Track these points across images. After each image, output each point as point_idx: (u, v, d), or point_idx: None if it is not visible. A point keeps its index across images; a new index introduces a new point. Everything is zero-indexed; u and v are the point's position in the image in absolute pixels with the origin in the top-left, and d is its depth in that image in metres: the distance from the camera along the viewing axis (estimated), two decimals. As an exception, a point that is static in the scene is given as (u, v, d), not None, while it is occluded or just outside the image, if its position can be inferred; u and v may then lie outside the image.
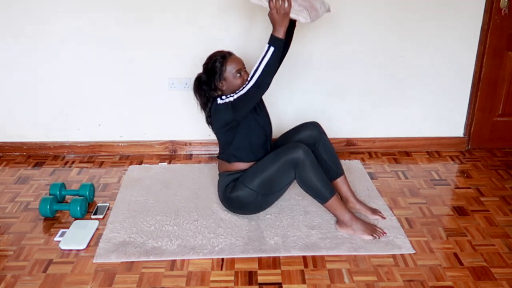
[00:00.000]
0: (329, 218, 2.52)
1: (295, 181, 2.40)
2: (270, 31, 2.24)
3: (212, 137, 3.27)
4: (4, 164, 3.20)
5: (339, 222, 2.42)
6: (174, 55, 3.08)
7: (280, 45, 2.25)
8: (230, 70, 2.38)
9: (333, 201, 2.36)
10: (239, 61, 2.42)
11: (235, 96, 2.36)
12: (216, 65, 2.39)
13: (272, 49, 2.24)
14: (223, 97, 2.41)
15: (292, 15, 2.27)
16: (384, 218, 2.53)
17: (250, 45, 3.03)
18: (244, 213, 2.54)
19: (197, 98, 2.50)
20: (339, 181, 2.58)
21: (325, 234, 2.40)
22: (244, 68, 2.43)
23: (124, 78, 3.15)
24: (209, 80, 2.42)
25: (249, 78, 2.32)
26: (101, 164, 3.20)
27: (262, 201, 2.45)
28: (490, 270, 2.17)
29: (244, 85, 2.35)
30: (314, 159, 2.35)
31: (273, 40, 2.24)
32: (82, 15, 2.98)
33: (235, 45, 3.01)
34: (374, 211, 2.56)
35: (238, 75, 2.39)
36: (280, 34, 2.24)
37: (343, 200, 2.58)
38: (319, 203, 2.42)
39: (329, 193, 2.35)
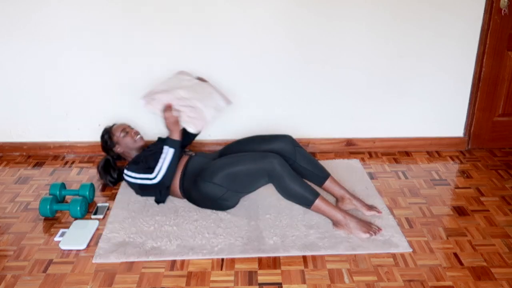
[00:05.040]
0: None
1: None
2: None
3: (212, 137, 3.28)
4: (4, 164, 3.20)
5: (334, 223, 2.43)
6: (174, 56, 3.08)
7: (178, 145, 2.54)
8: (116, 135, 2.77)
9: (319, 203, 2.37)
10: (120, 126, 2.81)
11: (140, 181, 2.58)
12: (105, 138, 2.81)
13: (171, 150, 2.52)
14: (129, 171, 2.61)
15: (182, 123, 2.53)
16: (380, 213, 2.55)
17: (249, 49, 3.04)
18: (215, 207, 2.60)
19: (101, 177, 2.88)
20: (328, 183, 2.60)
21: (323, 233, 2.40)
22: (128, 127, 2.82)
23: (124, 78, 3.15)
24: (109, 152, 2.84)
25: (151, 175, 2.52)
26: (101, 164, 3.20)
27: (231, 198, 2.52)
28: (490, 270, 2.17)
29: (147, 175, 2.55)
30: (289, 167, 2.40)
31: (170, 142, 2.53)
32: (82, 15, 2.98)
33: (234, 46, 3.02)
34: (370, 207, 2.58)
35: (124, 134, 2.77)
36: (175, 137, 2.53)
37: (338, 200, 2.61)
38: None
39: (313, 196, 2.37)
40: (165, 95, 2.55)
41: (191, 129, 2.56)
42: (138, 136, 2.80)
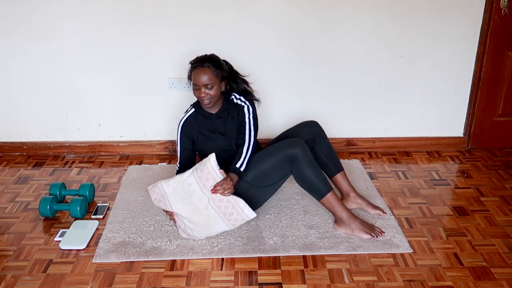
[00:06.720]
0: (328, 217, 2.52)
1: (294, 179, 2.41)
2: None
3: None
4: (4, 164, 3.20)
5: (337, 221, 2.42)
6: (174, 55, 3.08)
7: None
8: (192, 80, 2.39)
9: (330, 197, 2.36)
10: (199, 78, 2.34)
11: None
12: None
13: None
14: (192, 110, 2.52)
15: (179, 229, 2.38)
16: (385, 213, 2.55)
17: (249, 49, 3.03)
18: None
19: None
20: (339, 177, 2.59)
21: (323, 233, 2.40)
22: (206, 86, 2.35)
23: (124, 78, 3.15)
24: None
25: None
26: (101, 164, 3.20)
27: (255, 194, 2.43)
28: (490, 270, 2.17)
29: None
30: (311, 154, 2.36)
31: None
32: (82, 15, 2.98)
33: (233, 47, 3.02)
34: (375, 207, 2.57)
35: (196, 88, 2.38)
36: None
37: (343, 196, 2.60)
38: (318, 202, 2.42)
39: (326, 188, 2.35)
40: (171, 205, 2.30)
41: (183, 235, 2.37)
42: (207, 101, 2.39)
